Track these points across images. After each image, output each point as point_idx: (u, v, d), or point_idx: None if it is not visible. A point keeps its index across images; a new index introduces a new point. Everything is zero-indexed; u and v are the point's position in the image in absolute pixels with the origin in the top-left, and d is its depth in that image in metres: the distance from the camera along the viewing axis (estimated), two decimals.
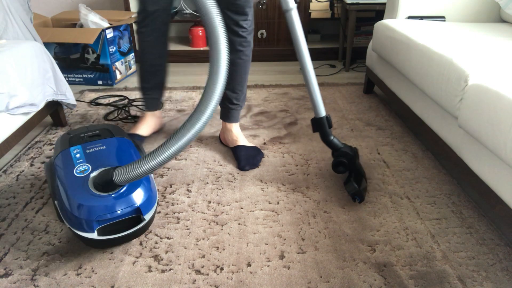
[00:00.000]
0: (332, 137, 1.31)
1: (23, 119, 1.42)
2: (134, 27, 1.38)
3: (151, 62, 1.45)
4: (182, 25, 2.94)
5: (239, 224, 1.15)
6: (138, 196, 0.98)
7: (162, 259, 1.02)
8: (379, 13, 2.47)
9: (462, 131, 1.17)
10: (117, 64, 2.29)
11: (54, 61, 1.57)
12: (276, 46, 2.67)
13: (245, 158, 1.42)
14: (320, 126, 1.30)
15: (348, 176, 1.29)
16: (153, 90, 1.52)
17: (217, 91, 0.82)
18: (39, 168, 1.43)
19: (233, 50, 1.30)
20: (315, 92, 1.26)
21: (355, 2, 2.27)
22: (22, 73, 1.35)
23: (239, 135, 1.52)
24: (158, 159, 0.84)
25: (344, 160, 1.27)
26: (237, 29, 1.29)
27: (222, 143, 1.59)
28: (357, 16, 2.34)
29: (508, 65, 1.15)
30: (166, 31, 1.42)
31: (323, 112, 1.28)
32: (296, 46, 1.20)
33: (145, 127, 1.56)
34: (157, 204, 1.17)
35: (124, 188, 0.97)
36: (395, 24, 1.65)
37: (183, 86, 2.22)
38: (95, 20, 2.23)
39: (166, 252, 1.05)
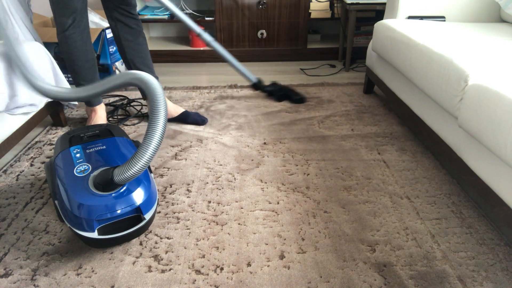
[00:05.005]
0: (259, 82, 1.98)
1: (23, 119, 1.42)
2: (60, 33, 1.48)
3: (85, 59, 1.56)
4: (182, 25, 2.94)
5: (239, 224, 1.15)
6: (138, 196, 0.98)
7: (162, 259, 1.02)
8: (379, 13, 2.48)
9: (462, 131, 1.17)
10: (117, 64, 2.29)
11: (54, 61, 1.57)
12: (276, 46, 2.67)
13: (198, 116, 1.76)
14: (260, 87, 1.99)
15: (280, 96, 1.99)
16: None
17: (155, 83, 0.93)
18: (39, 168, 1.43)
19: (136, 33, 1.62)
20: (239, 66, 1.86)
21: (355, 2, 2.27)
22: None
23: (171, 104, 1.77)
24: (149, 151, 0.87)
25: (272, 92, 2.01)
26: (131, 15, 1.59)
27: None
28: (357, 16, 2.34)
29: (508, 65, 1.15)
30: (88, 24, 1.55)
31: (254, 78, 1.94)
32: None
33: (100, 120, 1.68)
34: (157, 203, 1.17)
35: (124, 188, 0.97)
36: (395, 24, 1.65)
37: (183, 86, 2.22)
38: (95, 20, 2.23)
39: (166, 252, 1.05)
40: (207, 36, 1.76)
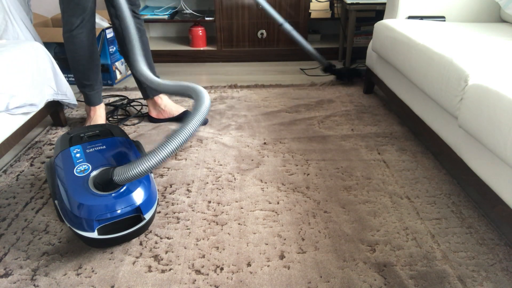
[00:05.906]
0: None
1: (23, 119, 1.42)
2: (65, 32, 1.49)
3: (90, 59, 1.57)
4: (182, 25, 2.94)
5: (239, 224, 1.15)
6: (138, 196, 0.98)
7: (162, 259, 1.02)
8: (379, 13, 2.47)
9: (462, 131, 1.17)
10: (117, 64, 2.29)
11: (54, 61, 1.57)
12: (276, 46, 2.67)
13: None
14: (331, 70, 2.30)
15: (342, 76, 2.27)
16: (97, 85, 1.65)
17: (205, 94, 0.95)
18: (39, 168, 1.43)
19: (139, 32, 1.58)
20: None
21: (355, 2, 2.27)
22: (22, 73, 1.36)
23: (172, 103, 1.79)
24: (157, 158, 0.85)
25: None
26: (135, 15, 1.60)
27: (156, 120, 1.78)
28: (357, 16, 2.34)
29: (508, 65, 1.15)
30: (95, 25, 1.55)
31: (326, 62, 2.28)
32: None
33: (100, 119, 1.69)
34: (157, 203, 1.17)
35: (124, 188, 0.97)
36: (395, 24, 1.65)
37: None
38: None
39: (166, 252, 1.05)
40: (287, 26, 2.07)
